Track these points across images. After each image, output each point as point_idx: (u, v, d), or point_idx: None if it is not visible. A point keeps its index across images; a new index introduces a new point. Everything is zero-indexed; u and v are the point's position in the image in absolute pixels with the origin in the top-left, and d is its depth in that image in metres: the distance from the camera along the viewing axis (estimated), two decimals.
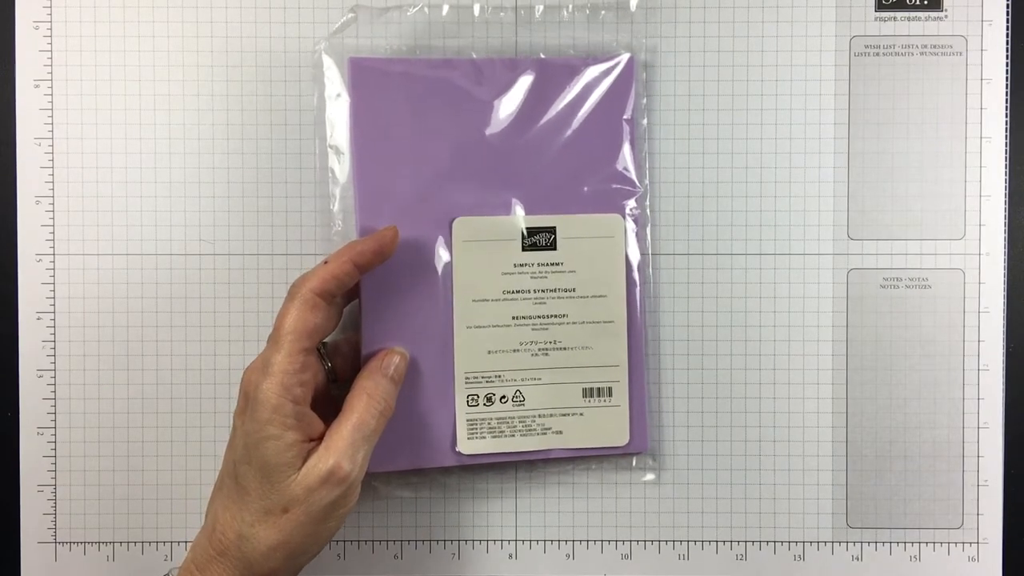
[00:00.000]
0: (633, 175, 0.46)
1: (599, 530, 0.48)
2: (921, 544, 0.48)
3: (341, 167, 0.46)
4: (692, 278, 0.48)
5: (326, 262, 0.40)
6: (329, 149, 0.46)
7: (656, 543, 0.48)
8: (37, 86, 0.48)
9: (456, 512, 0.48)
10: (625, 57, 0.46)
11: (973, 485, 0.48)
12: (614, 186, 0.46)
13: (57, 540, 0.48)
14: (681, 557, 0.48)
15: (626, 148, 0.46)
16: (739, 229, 0.48)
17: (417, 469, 0.46)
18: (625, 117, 0.46)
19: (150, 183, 0.48)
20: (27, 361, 0.48)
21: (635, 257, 0.46)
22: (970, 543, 0.48)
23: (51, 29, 0.47)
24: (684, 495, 0.48)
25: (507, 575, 0.48)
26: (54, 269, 0.48)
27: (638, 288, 0.46)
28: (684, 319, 0.48)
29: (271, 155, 0.48)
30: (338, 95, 0.46)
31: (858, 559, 0.48)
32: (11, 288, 0.48)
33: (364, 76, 0.45)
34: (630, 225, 0.46)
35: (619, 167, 0.46)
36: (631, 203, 0.46)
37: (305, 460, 0.38)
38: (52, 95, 0.48)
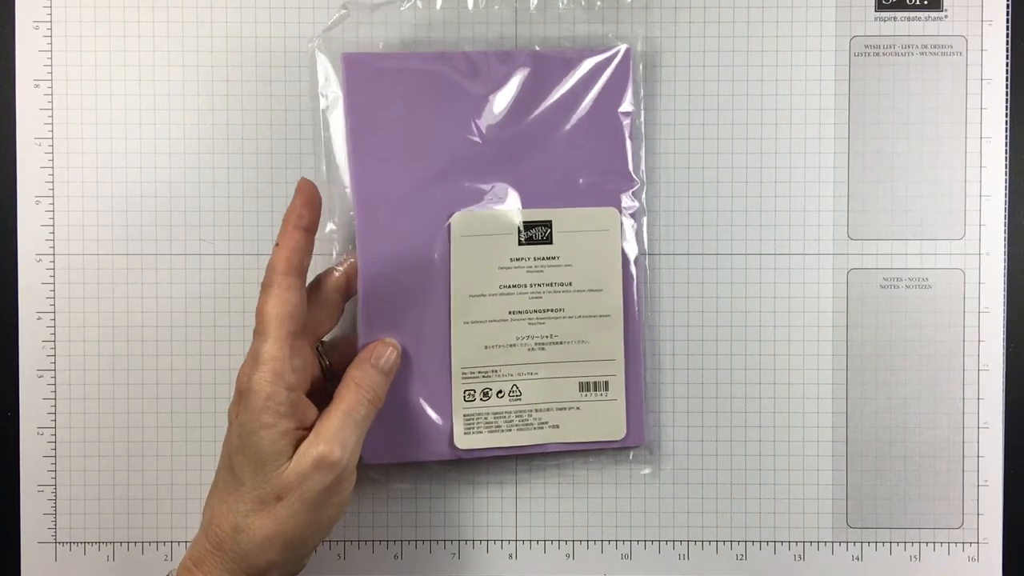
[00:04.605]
0: (630, 168, 0.46)
1: (599, 530, 0.48)
2: (921, 544, 0.48)
3: (337, 164, 0.46)
4: (692, 278, 0.48)
5: (277, 244, 0.41)
6: (325, 147, 0.46)
7: (656, 543, 0.48)
8: (37, 86, 0.48)
9: (456, 512, 0.48)
10: (622, 48, 0.46)
11: (973, 485, 0.48)
12: (610, 179, 0.46)
13: (57, 540, 0.48)
14: (681, 557, 0.48)
15: (623, 141, 0.46)
16: (739, 229, 0.48)
17: (415, 462, 0.46)
18: (622, 110, 0.46)
19: (150, 183, 0.48)
20: (27, 361, 0.48)
21: (632, 251, 0.46)
22: (970, 543, 0.48)
23: (51, 29, 0.47)
24: (684, 495, 0.48)
25: (507, 575, 0.48)
26: (54, 269, 0.48)
27: (635, 282, 0.46)
28: (684, 319, 0.48)
29: (271, 155, 0.48)
30: (333, 91, 0.46)
31: (858, 559, 0.48)
32: (11, 288, 0.48)
33: (358, 72, 0.45)
34: (626, 219, 0.46)
35: (615, 160, 0.46)
36: (628, 196, 0.46)
37: (297, 448, 0.39)
38: (52, 95, 0.48)
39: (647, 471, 0.48)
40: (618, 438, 0.46)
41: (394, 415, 0.44)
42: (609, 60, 0.46)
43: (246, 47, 0.48)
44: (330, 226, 0.46)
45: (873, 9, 0.48)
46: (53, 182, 0.48)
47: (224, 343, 0.48)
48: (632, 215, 0.46)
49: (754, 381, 0.48)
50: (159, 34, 0.48)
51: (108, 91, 0.48)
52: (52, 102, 0.48)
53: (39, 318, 0.48)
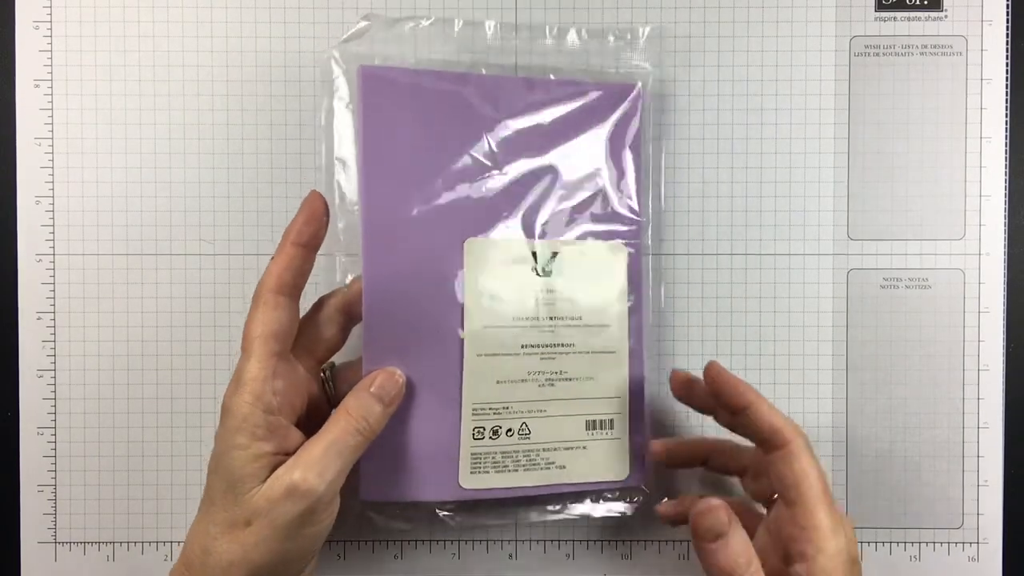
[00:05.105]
0: (636, 204, 0.45)
1: (599, 530, 0.48)
2: (921, 544, 0.48)
3: (347, 180, 0.44)
4: (692, 278, 0.48)
5: (272, 259, 0.39)
6: (336, 161, 0.44)
7: (656, 543, 0.48)
8: (37, 86, 0.48)
9: (456, 512, 0.48)
10: (635, 86, 0.45)
11: (973, 485, 0.48)
12: (618, 214, 0.45)
13: (57, 540, 0.48)
14: (681, 557, 0.48)
15: (632, 177, 0.45)
16: (739, 229, 0.48)
17: (415, 502, 0.44)
18: (630, 144, 0.45)
19: (150, 183, 0.48)
20: (27, 361, 0.48)
21: (636, 287, 0.45)
22: (970, 543, 0.48)
23: (51, 29, 0.47)
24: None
25: (507, 575, 0.48)
26: (54, 269, 0.48)
27: (641, 317, 0.45)
28: (684, 319, 0.48)
29: (271, 155, 0.48)
30: (347, 104, 0.44)
31: None
32: (11, 288, 0.48)
33: (375, 85, 0.43)
34: (632, 254, 0.45)
35: (624, 195, 0.45)
36: (634, 232, 0.45)
37: (273, 472, 0.37)
38: (52, 95, 0.48)
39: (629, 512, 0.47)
40: (622, 478, 0.45)
41: (394, 450, 0.42)
42: (623, 94, 0.45)
43: (246, 47, 0.48)
44: (335, 244, 0.44)
45: (873, 9, 0.48)
46: (53, 182, 0.48)
47: (224, 343, 0.48)
48: (637, 251, 0.45)
49: (754, 381, 0.48)
50: (159, 34, 0.48)
51: (108, 91, 0.48)
52: (52, 102, 0.48)
53: (39, 318, 0.48)
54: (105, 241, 0.48)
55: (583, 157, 0.45)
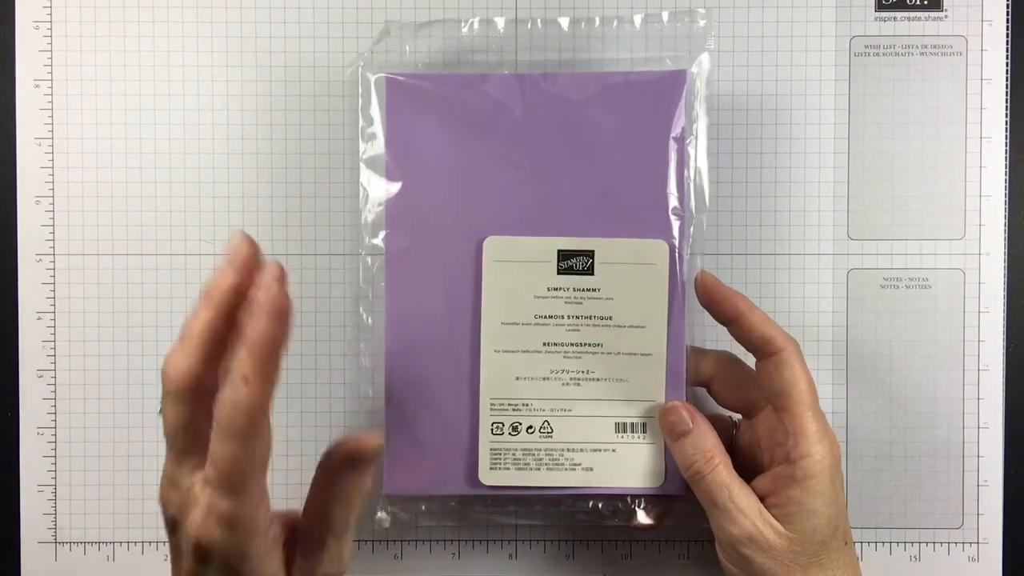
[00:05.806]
0: (680, 198, 0.44)
1: (599, 530, 0.48)
2: (921, 544, 0.48)
3: (373, 183, 0.45)
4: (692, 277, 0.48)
5: (245, 379, 0.31)
6: (362, 163, 0.45)
7: (656, 543, 0.48)
8: (37, 86, 0.48)
9: (455, 512, 0.48)
10: (676, 71, 0.44)
11: (973, 485, 0.48)
12: (659, 210, 0.43)
13: (57, 540, 0.48)
14: (681, 557, 0.48)
15: (672, 169, 0.43)
16: (739, 229, 0.48)
17: (438, 497, 0.45)
18: (673, 135, 0.43)
19: (150, 183, 0.48)
20: (27, 361, 0.48)
21: (679, 287, 0.44)
22: (970, 543, 0.48)
23: (51, 29, 0.47)
24: (683, 494, 0.48)
25: (507, 575, 0.48)
26: (54, 269, 0.48)
27: (682, 319, 0.44)
28: (686, 319, 0.48)
29: (271, 155, 0.48)
30: (372, 112, 0.45)
31: (858, 559, 0.48)
32: (11, 288, 0.48)
33: (401, 93, 0.44)
34: (676, 252, 0.43)
35: (665, 189, 0.43)
36: (678, 228, 0.44)
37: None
38: (52, 95, 0.48)
39: (670, 522, 0.46)
40: (656, 485, 0.44)
41: (419, 445, 0.43)
42: (661, 83, 0.44)
43: (246, 47, 0.48)
44: (361, 245, 0.45)
45: (873, 9, 0.48)
46: (53, 182, 0.48)
47: None
48: (681, 249, 0.44)
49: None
50: (159, 34, 0.48)
51: (108, 91, 0.48)
52: (52, 102, 0.48)
53: (39, 318, 0.48)
54: (105, 241, 0.48)
55: (619, 150, 0.43)
